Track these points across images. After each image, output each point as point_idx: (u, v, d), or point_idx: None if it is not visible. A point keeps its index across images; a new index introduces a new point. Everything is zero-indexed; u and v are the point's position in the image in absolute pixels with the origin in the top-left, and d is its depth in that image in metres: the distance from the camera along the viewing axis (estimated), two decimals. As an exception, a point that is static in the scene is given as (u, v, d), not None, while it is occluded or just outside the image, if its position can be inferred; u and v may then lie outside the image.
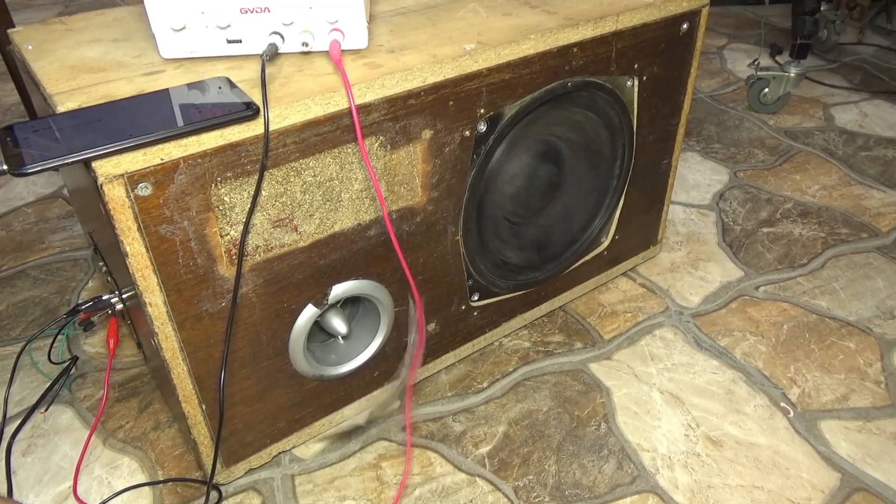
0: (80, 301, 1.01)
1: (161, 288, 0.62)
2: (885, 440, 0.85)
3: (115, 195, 0.55)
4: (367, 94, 0.66)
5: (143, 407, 0.89)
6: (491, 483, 0.80)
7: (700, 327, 1.02)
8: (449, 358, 0.94)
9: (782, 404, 0.89)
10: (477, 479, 0.80)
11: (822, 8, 1.82)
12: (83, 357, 0.97)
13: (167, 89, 0.62)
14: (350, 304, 0.84)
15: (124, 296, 0.79)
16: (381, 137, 0.70)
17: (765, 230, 1.23)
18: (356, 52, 0.72)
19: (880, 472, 0.81)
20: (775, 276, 1.12)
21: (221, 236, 0.63)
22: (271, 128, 0.61)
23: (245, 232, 0.63)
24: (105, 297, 0.85)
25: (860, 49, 1.99)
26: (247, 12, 0.66)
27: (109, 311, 0.86)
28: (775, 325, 1.02)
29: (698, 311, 1.05)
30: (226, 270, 0.65)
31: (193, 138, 0.57)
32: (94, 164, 0.54)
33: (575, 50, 0.81)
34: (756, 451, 0.83)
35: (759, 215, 1.27)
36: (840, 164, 1.43)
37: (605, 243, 1.04)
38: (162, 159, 0.57)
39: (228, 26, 0.67)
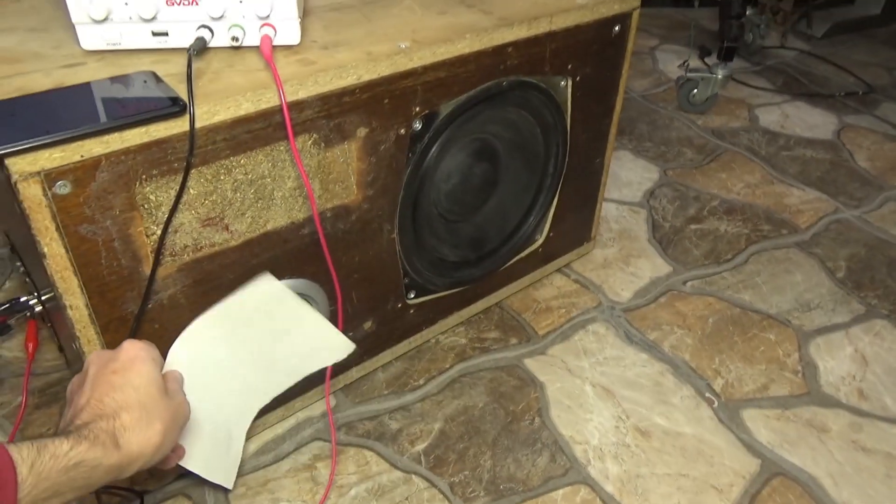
0: (-4, 302, 0.96)
1: (83, 290, 0.59)
2: (801, 427, 0.89)
3: (31, 194, 0.53)
4: (299, 92, 0.65)
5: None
6: (427, 480, 0.80)
7: (631, 322, 1.05)
8: (386, 356, 0.93)
9: (707, 395, 0.93)
10: (413, 476, 0.81)
11: (747, 12, 1.90)
12: (0, 362, 0.92)
13: (88, 83, 0.60)
14: (284, 304, 0.83)
15: (44, 298, 0.75)
16: (314, 135, 0.69)
17: (692, 227, 1.28)
18: (289, 48, 0.70)
19: (797, 457, 0.85)
20: (702, 271, 1.17)
21: (147, 236, 0.61)
22: (200, 124, 0.59)
23: (165, 231, 0.61)
24: (23, 300, 0.81)
25: (783, 53, 2.08)
26: (174, 4, 0.64)
27: (28, 314, 0.82)
28: (701, 319, 1.06)
29: (629, 306, 1.08)
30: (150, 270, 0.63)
31: (116, 135, 0.55)
32: (8, 162, 0.51)
33: (510, 50, 0.82)
34: (682, 440, 0.87)
35: (687, 212, 1.32)
36: (763, 164, 1.50)
37: (540, 240, 1.06)
38: (82, 156, 0.54)
39: (154, 18, 0.65)
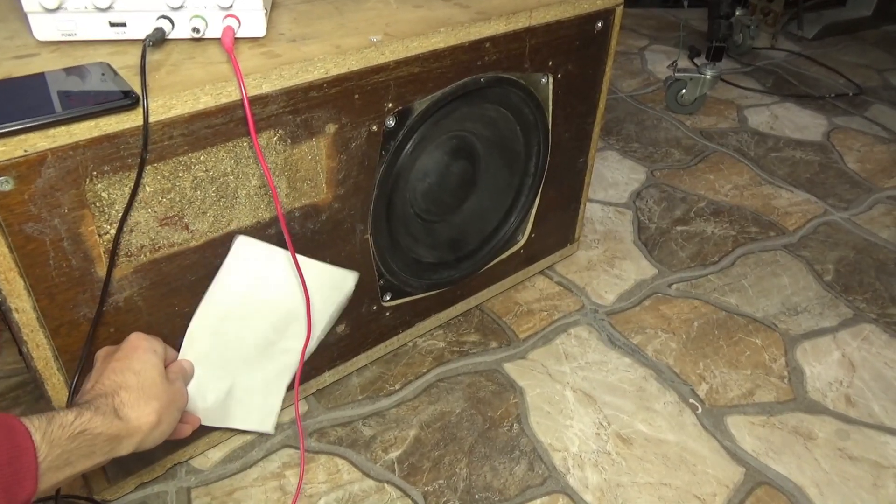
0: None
1: (29, 292, 0.56)
2: (786, 434, 0.87)
3: (-30, 190, 0.50)
4: (263, 85, 0.63)
5: (26, 418, 0.82)
6: (400, 489, 0.78)
7: (614, 325, 1.02)
8: (360, 360, 0.91)
9: (691, 400, 0.91)
10: (385, 485, 0.78)
11: (736, 12, 1.88)
12: (-40, 365, 0.89)
13: (35, 74, 0.57)
14: (253, 306, 0.80)
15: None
16: (280, 131, 0.66)
17: (679, 228, 1.26)
18: (254, 40, 0.68)
19: (782, 465, 0.83)
20: (687, 273, 1.14)
21: (100, 235, 0.58)
22: (154, 118, 0.57)
23: (120, 230, 0.59)
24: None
25: (773, 54, 2.06)
26: (131, -7, 0.62)
27: (-13, 316, 0.79)
28: (686, 323, 1.03)
29: (613, 310, 1.05)
30: (105, 272, 0.60)
31: (63, 128, 0.52)
32: (-57, 156, 0.48)
33: (487, 45, 0.79)
34: (664, 447, 0.84)
35: (673, 214, 1.30)
36: (751, 165, 1.48)
37: (522, 241, 1.03)
38: (26, 151, 0.51)
39: (110, 7, 0.62)
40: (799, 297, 1.10)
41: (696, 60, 1.87)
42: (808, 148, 1.56)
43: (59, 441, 0.50)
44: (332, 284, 0.78)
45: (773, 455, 0.84)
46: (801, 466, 0.83)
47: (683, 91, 1.64)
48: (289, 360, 0.78)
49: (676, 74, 1.64)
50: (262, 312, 0.73)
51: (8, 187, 0.52)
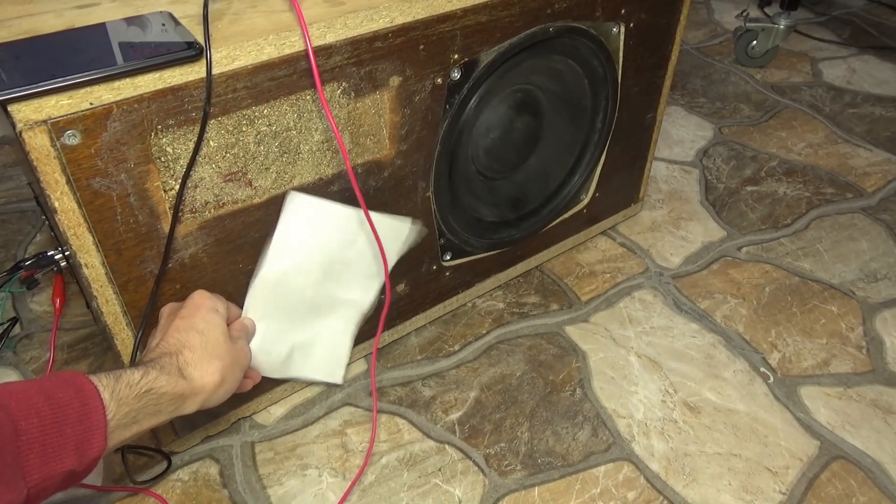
0: (24, 257, 0.95)
1: (98, 248, 0.56)
2: (865, 407, 0.83)
3: (38, 144, 0.49)
4: (327, 35, 0.60)
5: (94, 369, 0.84)
6: (461, 451, 0.77)
7: (680, 289, 0.98)
8: (419, 320, 0.89)
9: (762, 369, 0.87)
10: (446, 446, 0.77)
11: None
12: (29, 317, 0.91)
13: (98, 25, 0.55)
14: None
15: (68, 253, 0.73)
16: (343, 84, 0.64)
17: (749, 189, 1.20)
18: (317, -13, 0.65)
19: (859, 439, 0.79)
20: (758, 236, 1.09)
21: (165, 191, 0.57)
22: (218, 70, 0.55)
23: (183, 185, 0.57)
24: (49, 254, 0.79)
25: (850, 2, 1.93)
26: (192, -62, 0.59)
27: (55, 269, 0.80)
28: (757, 288, 0.99)
29: (678, 273, 1.01)
30: (170, 228, 0.59)
31: (127, 81, 0.51)
32: (11, 109, 0.47)
33: (557, -9, 0.75)
34: (734, 417, 0.81)
35: (743, 173, 1.23)
36: (827, 122, 1.39)
37: (585, 201, 0.99)
38: (91, 104, 0.50)
39: (171, -46, 0.60)
40: (878, 262, 1.04)
41: (766, 10, 1.76)
42: (889, 104, 1.46)
43: (126, 399, 0.50)
44: (392, 233, 0.77)
45: (850, 428, 0.80)
46: (880, 441, 0.79)
47: (754, 42, 1.55)
48: (351, 312, 0.77)
49: (747, 25, 1.54)
50: (321, 265, 0.71)
51: (75, 141, 0.51)
